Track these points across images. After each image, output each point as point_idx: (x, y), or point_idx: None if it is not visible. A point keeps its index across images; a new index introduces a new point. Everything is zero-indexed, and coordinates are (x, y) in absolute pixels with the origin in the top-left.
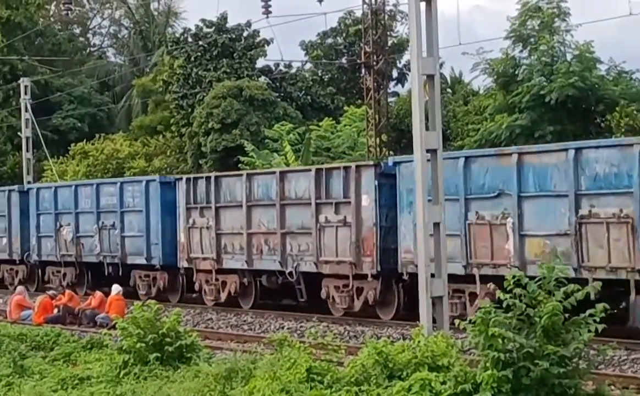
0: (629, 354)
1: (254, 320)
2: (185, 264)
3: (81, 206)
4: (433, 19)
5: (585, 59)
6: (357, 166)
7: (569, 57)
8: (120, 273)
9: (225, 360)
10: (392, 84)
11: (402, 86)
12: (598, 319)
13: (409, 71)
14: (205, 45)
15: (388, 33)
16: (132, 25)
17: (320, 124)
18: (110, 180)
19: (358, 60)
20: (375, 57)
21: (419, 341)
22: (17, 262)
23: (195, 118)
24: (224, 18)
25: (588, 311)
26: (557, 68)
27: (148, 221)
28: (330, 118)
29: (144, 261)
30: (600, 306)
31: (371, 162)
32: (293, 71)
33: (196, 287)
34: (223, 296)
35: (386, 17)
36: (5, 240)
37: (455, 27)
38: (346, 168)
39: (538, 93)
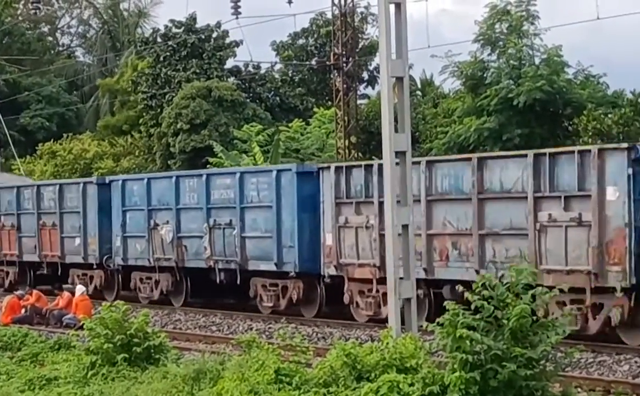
0: (595, 356)
1: (222, 321)
2: (332, 272)
3: (184, 200)
4: (402, 21)
5: (553, 63)
6: (599, 150)
7: (537, 60)
8: (238, 281)
9: (194, 361)
10: (362, 86)
11: (373, 88)
12: (567, 322)
13: (379, 73)
14: (175, 46)
15: (359, 35)
16: (100, 25)
17: (290, 125)
18: (226, 170)
19: (327, 62)
20: (345, 59)
21: (387, 343)
22: (94, 266)
23: (164, 118)
24: (193, 18)
25: (556, 314)
26: (525, 71)
27: (279, 219)
28: (300, 119)
29: (272, 267)
30: (567, 309)
31: (624, 145)
32: (263, 71)
33: (345, 300)
34: (384, 311)
35: (357, 19)
36: (78, 241)
37: (423, 30)
38: (582, 153)
39: (506, 96)
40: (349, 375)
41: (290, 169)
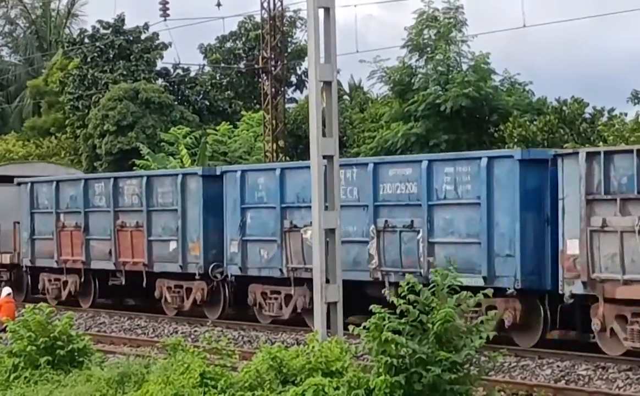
0: (518, 360)
1: (147, 324)
2: (579, 290)
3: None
4: (331, 26)
5: (480, 70)
6: None
7: (464, 67)
8: None
9: (118, 364)
10: (290, 90)
11: (301, 92)
12: (490, 327)
13: (308, 77)
14: (102, 47)
15: (288, 39)
16: (27, 24)
17: (218, 128)
18: (403, 158)
19: (256, 65)
20: (273, 62)
21: (313, 347)
22: (196, 277)
23: (91, 120)
24: (121, 19)
25: (480, 318)
26: (452, 78)
27: (489, 220)
28: (228, 123)
29: (478, 282)
30: (491, 313)
31: None
32: (192, 74)
33: (595, 327)
34: None
35: (286, 23)
36: (174, 245)
37: (351, 35)
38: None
39: (433, 102)
40: (274, 378)
41: (509, 156)
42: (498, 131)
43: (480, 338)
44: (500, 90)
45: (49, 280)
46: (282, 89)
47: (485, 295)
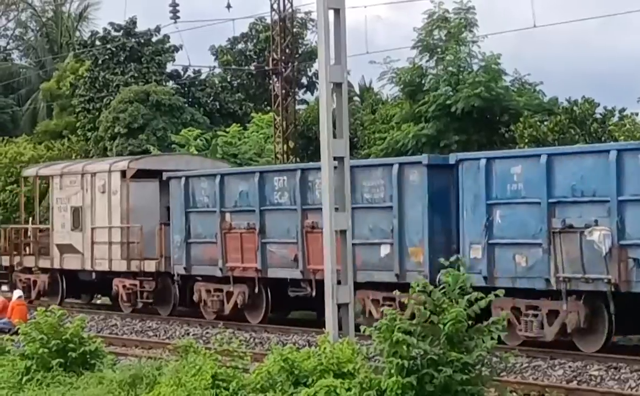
0: (530, 361)
1: (159, 326)
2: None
3: (630, 189)
4: (341, 27)
5: (491, 70)
6: None
7: (475, 67)
8: None
9: (130, 366)
10: (301, 91)
11: (311, 94)
12: (501, 327)
13: (318, 78)
14: (113, 49)
15: (298, 41)
16: (38, 28)
17: (228, 130)
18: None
19: (266, 67)
20: (284, 64)
21: (324, 348)
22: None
23: (102, 122)
24: (132, 22)
25: (491, 319)
26: (463, 78)
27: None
28: (238, 124)
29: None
30: (503, 313)
31: None
32: (202, 76)
33: None
34: None
35: (296, 24)
36: (386, 250)
37: (360, 36)
38: None
39: (444, 103)
40: (286, 380)
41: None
42: (509, 131)
43: (492, 338)
44: (511, 90)
45: (208, 291)
46: (293, 90)
47: (496, 295)
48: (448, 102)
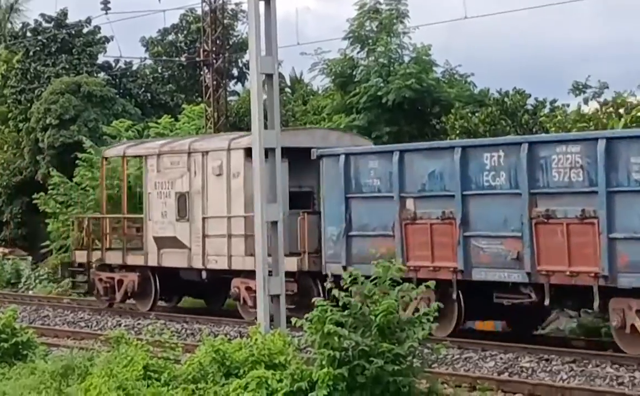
0: (461, 353)
1: (91, 317)
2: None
3: None
4: (272, 18)
5: (422, 62)
6: None
7: (406, 59)
8: None
9: (62, 357)
10: (232, 82)
11: (242, 85)
12: (432, 319)
13: (249, 70)
14: (44, 41)
15: (229, 32)
16: None
17: (159, 121)
18: None
19: (197, 58)
20: (214, 55)
21: (256, 339)
22: None
23: (33, 113)
24: (64, 13)
25: (422, 310)
26: (394, 70)
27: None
28: (170, 116)
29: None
30: (434, 305)
31: None
32: (134, 68)
33: None
34: None
35: (227, 16)
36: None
37: (290, 27)
38: None
39: (375, 94)
40: (217, 371)
41: None
42: (440, 123)
43: (423, 329)
44: (442, 82)
45: None
46: (224, 81)
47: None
48: (379, 93)
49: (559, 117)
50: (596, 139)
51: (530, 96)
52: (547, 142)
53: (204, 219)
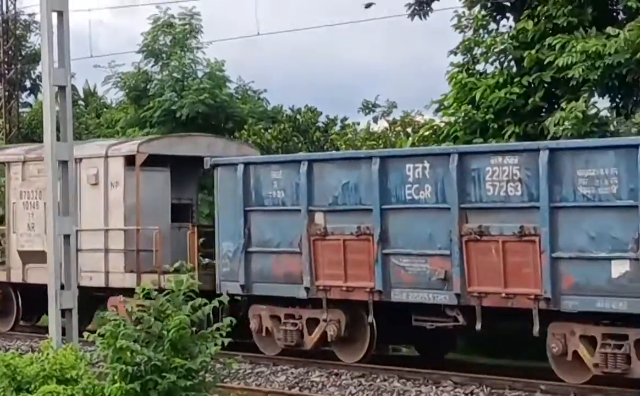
0: (253, 368)
1: None
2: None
3: None
4: (65, 30)
5: (215, 77)
6: None
7: (200, 74)
8: None
9: None
10: (25, 94)
11: (36, 97)
12: (224, 334)
13: (42, 81)
14: None
15: (22, 43)
16: None
17: None
18: None
19: None
20: (6, 66)
21: (47, 354)
22: None
23: None
24: None
25: (215, 325)
26: (188, 84)
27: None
28: None
29: None
30: (227, 320)
31: None
32: None
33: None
34: None
35: (20, 26)
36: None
37: (84, 39)
38: None
39: (169, 108)
40: (8, 386)
41: None
42: (234, 138)
43: (216, 344)
44: (235, 97)
45: (277, 319)
46: (16, 93)
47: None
48: (173, 107)
49: (349, 135)
50: (538, 150)
51: (321, 113)
52: (480, 153)
53: (77, 232)
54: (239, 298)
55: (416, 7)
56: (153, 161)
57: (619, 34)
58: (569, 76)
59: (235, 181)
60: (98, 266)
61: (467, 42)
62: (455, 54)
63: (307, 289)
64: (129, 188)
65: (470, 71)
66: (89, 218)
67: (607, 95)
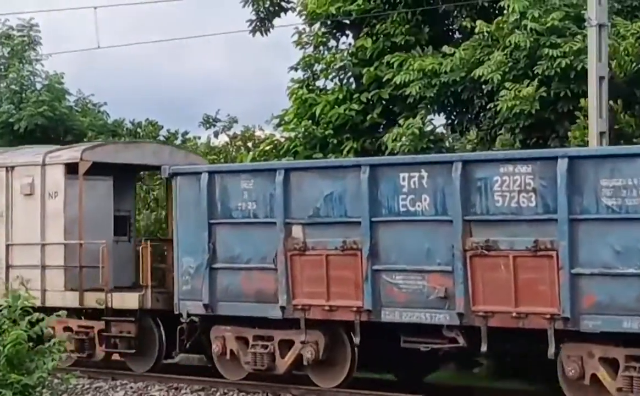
0: (92, 382)
1: None
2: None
3: None
4: None
5: (54, 89)
6: None
7: (38, 86)
8: None
9: None
10: None
11: None
12: (63, 349)
13: None
14: None
15: None
16: None
17: None
18: None
19: None
20: None
21: None
22: None
23: None
24: None
25: (53, 340)
26: (26, 97)
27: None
28: None
29: None
30: (63, 335)
31: None
32: None
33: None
34: None
35: None
36: None
37: None
38: None
39: (7, 121)
40: None
41: None
42: None
43: (53, 360)
44: (75, 110)
45: (243, 341)
46: None
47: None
48: (11, 120)
49: (190, 149)
50: (555, 157)
51: (162, 127)
52: (488, 161)
53: (8, 246)
54: (195, 318)
55: (257, 23)
56: (95, 169)
57: (454, 53)
58: (407, 93)
59: (197, 191)
60: (34, 284)
61: (307, 59)
62: (296, 69)
63: (282, 308)
64: (70, 199)
65: (311, 87)
66: (23, 231)
67: (443, 112)
